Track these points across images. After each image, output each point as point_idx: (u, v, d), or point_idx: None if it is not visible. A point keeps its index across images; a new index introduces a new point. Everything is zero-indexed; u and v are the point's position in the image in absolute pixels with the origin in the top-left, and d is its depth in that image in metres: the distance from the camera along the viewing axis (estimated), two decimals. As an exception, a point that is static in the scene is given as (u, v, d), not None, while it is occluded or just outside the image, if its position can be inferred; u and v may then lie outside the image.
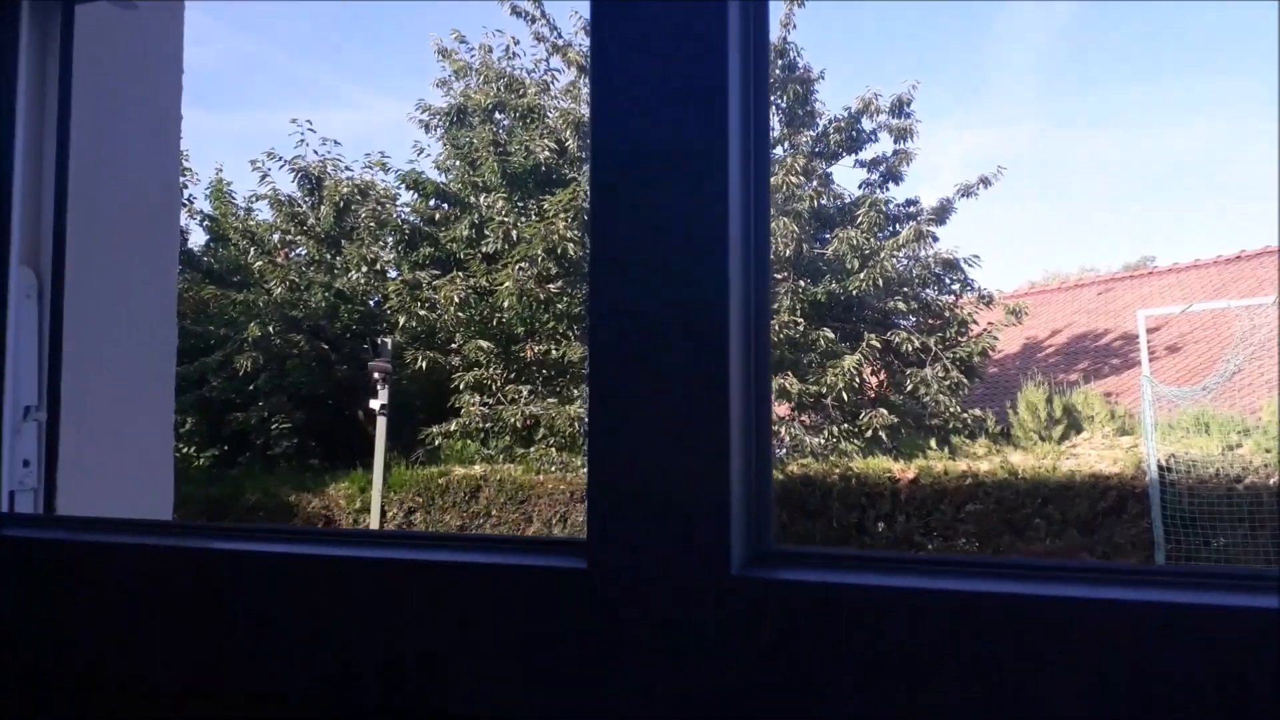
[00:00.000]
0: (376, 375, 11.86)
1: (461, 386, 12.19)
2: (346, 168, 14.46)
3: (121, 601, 1.05)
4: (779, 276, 11.55)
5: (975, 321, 12.53)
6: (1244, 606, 0.67)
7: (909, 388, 11.85)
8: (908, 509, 9.32)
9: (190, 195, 15.20)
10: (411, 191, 13.63)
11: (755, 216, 0.87)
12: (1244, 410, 10.28)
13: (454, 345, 12.73)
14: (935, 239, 12.32)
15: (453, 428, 12.04)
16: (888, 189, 12.93)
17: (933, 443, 11.08)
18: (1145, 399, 9.68)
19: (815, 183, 12.41)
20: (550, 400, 11.84)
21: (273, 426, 13.06)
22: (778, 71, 12.34)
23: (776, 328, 11.00)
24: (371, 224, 13.56)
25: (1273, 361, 10.67)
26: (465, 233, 12.78)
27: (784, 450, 11.17)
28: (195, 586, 1.02)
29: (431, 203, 13.64)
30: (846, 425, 11.52)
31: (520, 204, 12.66)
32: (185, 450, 13.40)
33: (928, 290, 12.68)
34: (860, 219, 12.05)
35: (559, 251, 11.57)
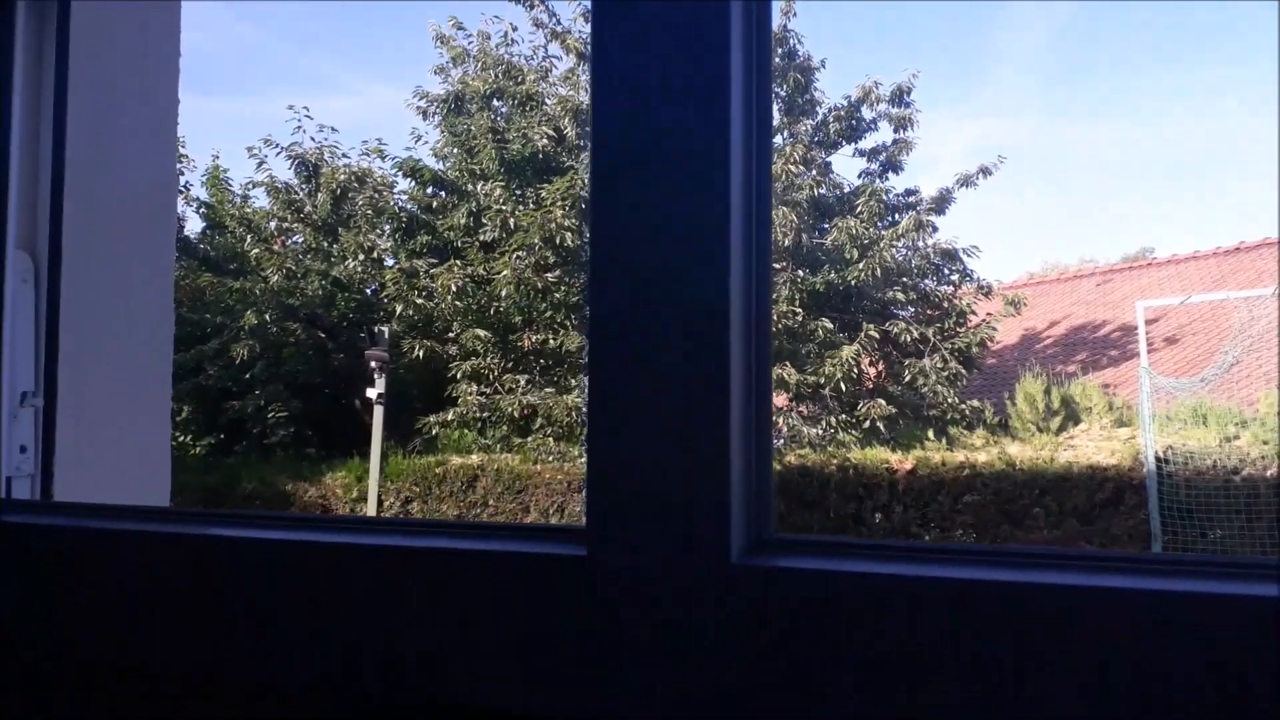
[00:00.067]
0: (373, 364, 11.86)
1: (459, 376, 12.19)
2: (344, 155, 14.45)
3: (120, 587, 1.05)
4: (777, 266, 11.54)
5: (974, 312, 12.54)
6: (1241, 595, 0.67)
7: (907, 378, 11.87)
8: (905, 500, 9.34)
9: (186, 182, 15.18)
10: (409, 179, 13.61)
11: (757, 212, 0.87)
12: (1242, 402, 10.30)
13: (451, 334, 12.73)
14: (934, 229, 12.32)
15: (450, 417, 12.05)
16: (887, 178, 12.92)
17: (930, 434, 11.10)
18: (1143, 390, 9.69)
19: (814, 172, 12.39)
20: (548, 390, 11.84)
21: (269, 415, 13.06)
22: (778, 60, 12.31)
23: (775, 318, 11.00)
24: (369, 212, 13.53)
25: (1271, 353, 10.68)
26: (463, 221, 12.75)
27: (782, 441, 11.19)
28: (194, 573, 1.02)
29: (429, 190, 13.61)
30: (844, 416, 11.54)
31: (518, 192, 12.63)
32: (181, 438, 13.41)
33: (926, 281, 12.69)
34: (859, 208, 12.03)
35: (556, 241, 11.55)
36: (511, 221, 11.99)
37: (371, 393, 11.85)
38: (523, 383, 11.97)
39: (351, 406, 13.67)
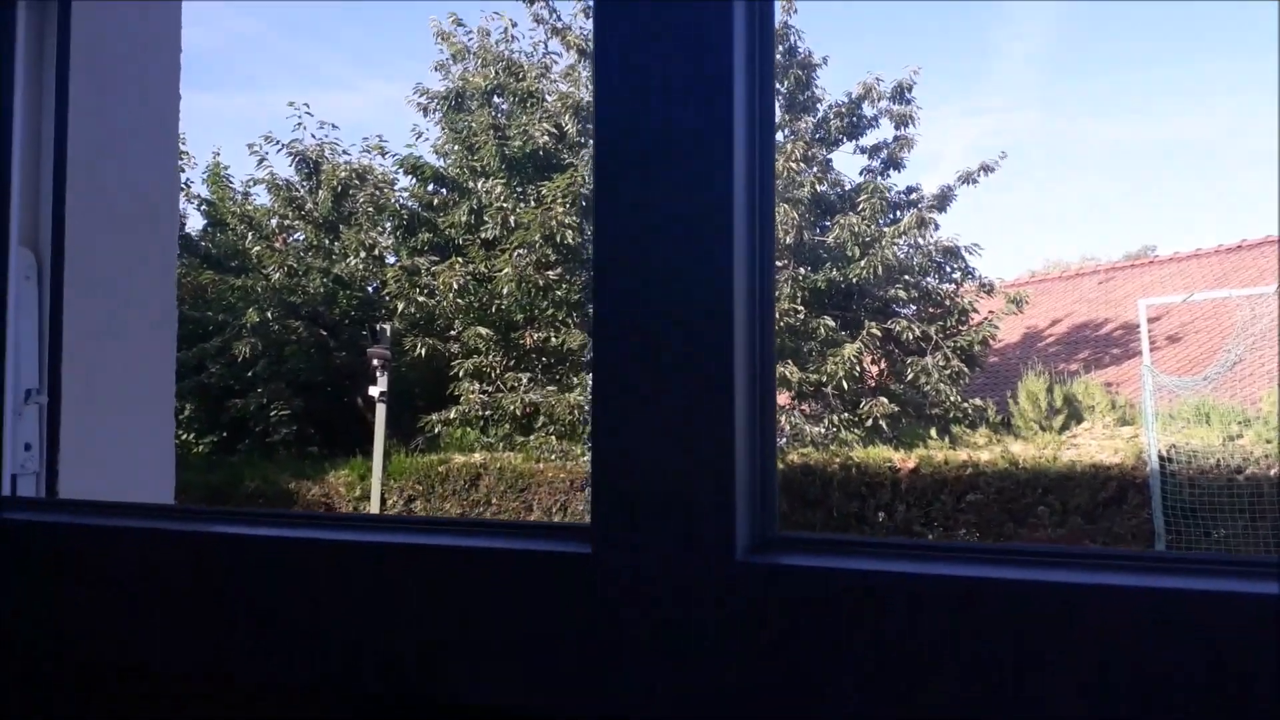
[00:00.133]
0: (375, 362, 11.86)
1: (461, 374, 12.19)
2: (344, 152, 14.44)
3: (121, 585, 1.05)
4: (779, 264, 11.53)
5: (976, 310, 12.52)
6: (1243, 593, 0.67)
7: (909, 377, 11.86)
8: (908, 498, 9.34)
9: (188, 179, 15.19)
10: (410, 176, 13.60)
11: (760, 209, 0.87)
12: (1245, 400, 10.29)
13: (453, 332, 12.72)
14: (936, 227, 12.31)
15: (452, 415, 12.05)
16: (889, 176, 12.90)
17: (933, 432, 11.09)
18: (1146, 389, 9.68)
19: (815, 169, 12.38)
20: (550, 388, 11.84)
21: (272, 413, 13.07)
22: (779, 57, 12.29)
23: (777, 316, 10.98)
24: (370, 209, 13.53)
25: (1274, 352, 10.67)
26: (464, 218, 12.75)
27: (784, 439, 11.18)
28: (195, 571, 1.02)
29: (430, 188, 13.60)
30: (847, 414, 11.53)
31: (519, 189, 12.62)
32: (184, 437, 13.42)
33: (928, 278, 12.67)
34: (861, 206, 12.02)
35: (557, 238, 11.55)
36: (512, 219, 11.99)
37: (373, 391, 11.86)
38: (525, 381, 11.97)
39: (353, 404, 13.67)
